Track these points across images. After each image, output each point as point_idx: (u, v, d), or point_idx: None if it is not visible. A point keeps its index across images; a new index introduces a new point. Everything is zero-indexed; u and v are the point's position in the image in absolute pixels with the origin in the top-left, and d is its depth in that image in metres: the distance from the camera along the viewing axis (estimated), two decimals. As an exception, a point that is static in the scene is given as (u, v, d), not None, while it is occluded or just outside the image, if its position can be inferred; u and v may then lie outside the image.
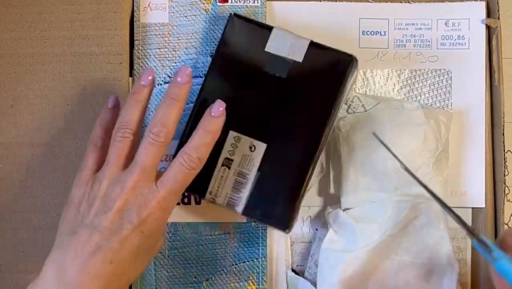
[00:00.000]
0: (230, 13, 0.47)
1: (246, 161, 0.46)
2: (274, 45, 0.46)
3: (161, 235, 0.42)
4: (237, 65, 0.47)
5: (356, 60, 0.46)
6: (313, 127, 0.46)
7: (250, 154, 0.46)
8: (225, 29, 0.47)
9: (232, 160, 0.46)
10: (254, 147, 0.46)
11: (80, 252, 0.37)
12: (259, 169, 0.46)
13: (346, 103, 0.48)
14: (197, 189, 0.45)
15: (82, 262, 0.37)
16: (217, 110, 0.42)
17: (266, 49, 0.46)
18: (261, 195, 0.46)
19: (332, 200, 0.50)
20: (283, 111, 0.46)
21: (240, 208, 0.46)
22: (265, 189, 0.46)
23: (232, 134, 0.46)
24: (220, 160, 0.46)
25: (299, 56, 0.45)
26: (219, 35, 0.50)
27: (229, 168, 0.46)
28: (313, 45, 0.46)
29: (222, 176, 0.46)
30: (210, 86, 0.46)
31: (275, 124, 0.46)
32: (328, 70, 0.45)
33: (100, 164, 0.42)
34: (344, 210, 0.48)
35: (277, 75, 0.46)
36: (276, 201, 0.46)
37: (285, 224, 0.46)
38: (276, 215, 0.46)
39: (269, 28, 0.46)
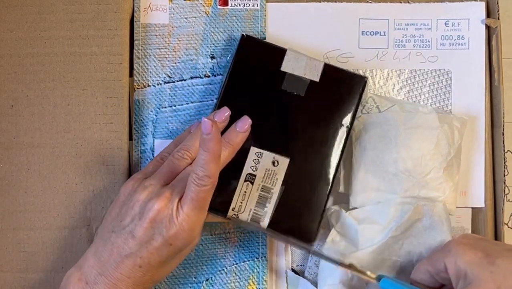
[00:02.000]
0: (242, 34, 0.48)
1: (269, 176, 0.47)
2: (290, 65, 0.48)
3: (191, 246, 0.44)
4: (254, 83, 0.48)
5: (367, 80, 0.49)
6: (332, 142, 0.47)
7: (273, 168, 0.47)
8: (237, 49, 0.48)
9: (255, 176, 0.47)
10: (277, 162, 0.47)
11: (116, 252, 0.41)
12: (283, 183, 0.47)
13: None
14: (218, 207, 0.46)
15: (117, 261, 0.41)
16: (243, 126, 0.45)
17: (282, 69, 0.47)
18: (286, 208, 0.47)
19: (333, 200, 0.50)
20: (303, 127, 0.48)
21: (265, 222, 0.47)
22: (289, 203, 0.47)
23: (253, 150, 0.47)
24: (243, 176, 0.47)
25: (315, 76, 0.48)
26: (219, 38, 0.50)
27: (252, 183, 0.47)
28: (327, 66, 0.48)
29: (245, 192, 0.47)
30: (226, 104, 0.47)
31: (296, 139, 0.48)
32: (344, 90, 0.48)
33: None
34: (348, 210, 0.49)
35: (295, 93, 0.47)
36: (301, 214, 0.47)
37: (310, 237, 0.47)
38: (301, 228, 0.47)
39: (282, 50, 0.48)
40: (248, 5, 0.51)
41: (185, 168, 0.44)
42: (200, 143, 0.40)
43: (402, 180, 0.47)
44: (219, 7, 0.51)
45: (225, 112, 0.46)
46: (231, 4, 0.51)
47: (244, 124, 0.45)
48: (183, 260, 0.45)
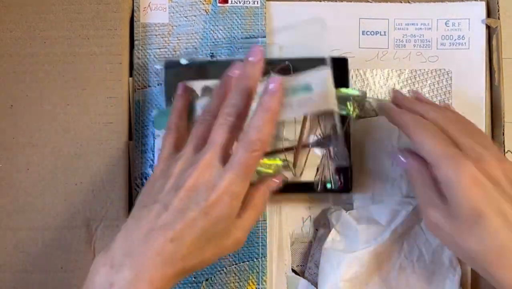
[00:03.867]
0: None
1: None
2: None
3: (234, 228, 0.39)
4: None
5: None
6: None
7: None
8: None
9: None
10: None
11: (147, 227, 0.37)
12: None
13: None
14: None
15: (145, 235, 0.36)
16: (273, 85, 0.39)
17: None
18: None
19: (333, 200, 0.51)
20: None
21: None
22: None
23: None
24: None
25: None
26: (219, 36, 0.50)
27: None
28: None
29: None
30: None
31: None
32: None
33: (178, 145, 0.42)
34: (348, 210, 0.49)
35: None
36: None
37: None
38: None
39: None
40: (248, 2, 0.51)
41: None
42: (261, 101, 0.38)
43: (402, 182, 0.47)
44: (219, 4, 0.51)
45: (258, 52, 0.40)
46: (231, 1, 0.51)
47: (273, 81, 0.39)
48: (218, 256, 0.39)
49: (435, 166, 0.39)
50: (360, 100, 0.47)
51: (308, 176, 0.48)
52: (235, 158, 0.37)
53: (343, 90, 0.46)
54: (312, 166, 0.48)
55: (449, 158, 0.38)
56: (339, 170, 0.48)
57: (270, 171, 0.46)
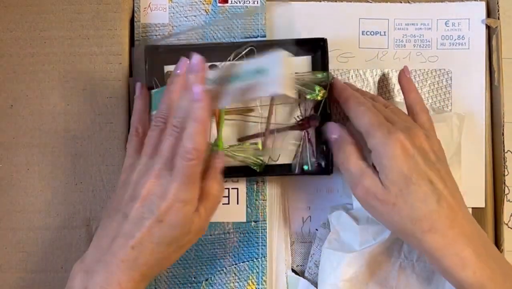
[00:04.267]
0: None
1: None
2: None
3: (193, 224, 0.40)
4: None
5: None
6: None
7: None
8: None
9: None
10: None
11: (111, 235, 0.39)
12: None
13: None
14: None
15: (111, 243, 0.39)
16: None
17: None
18: None
19: (333, 200, 0.51)
20: None
21: None
22: None
23: None
24: None
25: None
26: (219, 36, 0.50)
27: None
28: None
29: None
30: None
31: None
32: None
33: (139, 150, 0.43)
34: (348, 210, 0.49)
35: None
36: None
37: None
38: None
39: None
40: (248, 2, 0.50)
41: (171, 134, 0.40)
42: (190, 109, 0.39)
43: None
44: (219, 4, 0.51)
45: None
46: (231, 1, 0.51)
47: (196, 88, 0.39)
48: (182, 252, 0.42)
49: (369, 135, 0.42)
50: (325, 82, 0.47)
51: (288, 159, 0.49)
52: (176, 168, 0.39)
53: (306, 74, 0.47)
54: (292, 148, 0.49)
55: (381, 128, 0.42)
56: (319, 152, 0.48)
57: (244, 155, 0.48)
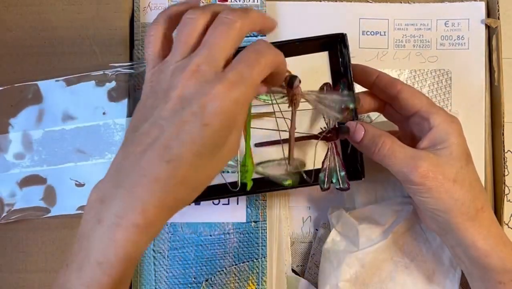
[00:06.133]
0: None
1: None
2: None
3: (235, 136, 0.33)
4: None
5: None
6: None
7: None
8: None
9: None
10: None
11: (138, 150, 0.31)
12: None
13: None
14: None
15: (137, 160, 0.31)
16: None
17: None
18: None
19: (333, 200, 0.51)
20: None
21: None
22: None
23: None
24: None
25: None
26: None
27: None
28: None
29: None
30: None
31: None
32: None
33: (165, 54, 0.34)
34: (348, 211, 0.49)
35: None
36: None
37: None
38: None
39: None
40: (248, 2, 0.50)
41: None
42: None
43: (403, 188, 0.48)
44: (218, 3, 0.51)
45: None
46: (231, 1, 0.51)
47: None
48: (221, 168, 0.34)
49: (431, 113, 0.42)
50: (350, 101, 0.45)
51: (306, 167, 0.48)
52: (241, 56, 0.32)
53: (330, 94, 0.45)
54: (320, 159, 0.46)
55: (440, 107, 0.43)
56: (347, 160, 0.46)
57: (273, 173, 0.46)
